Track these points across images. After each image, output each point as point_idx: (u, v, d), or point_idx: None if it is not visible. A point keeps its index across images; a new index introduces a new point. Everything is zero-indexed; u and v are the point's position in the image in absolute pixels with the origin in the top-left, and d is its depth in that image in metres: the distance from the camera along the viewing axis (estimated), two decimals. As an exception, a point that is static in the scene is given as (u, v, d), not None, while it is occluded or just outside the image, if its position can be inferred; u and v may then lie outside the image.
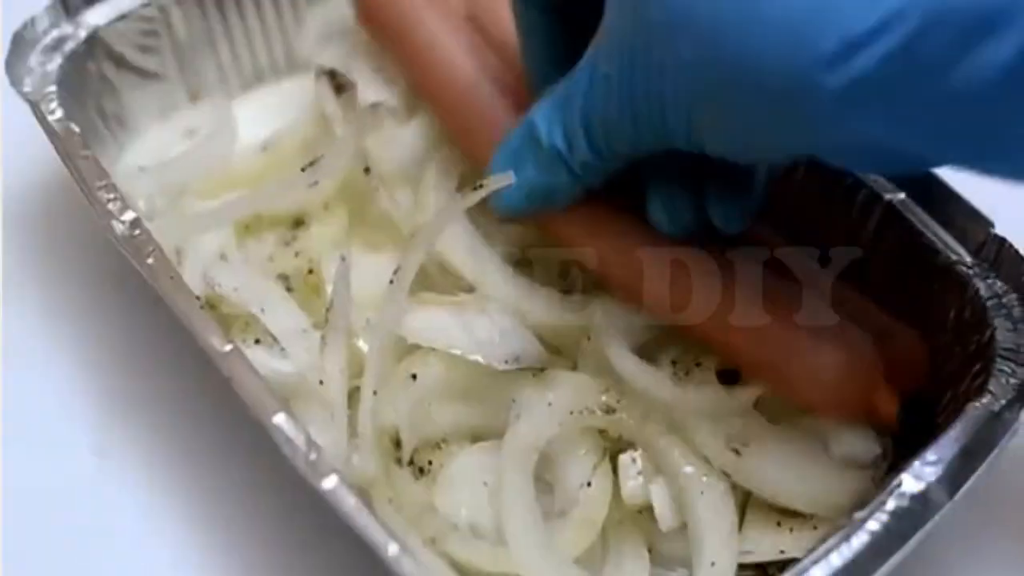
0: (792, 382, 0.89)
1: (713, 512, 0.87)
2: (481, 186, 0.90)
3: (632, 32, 0.78)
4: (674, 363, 0.93)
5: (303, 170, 1.01)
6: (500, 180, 0.90)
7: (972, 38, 0.62)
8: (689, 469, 0.89)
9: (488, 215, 0.95)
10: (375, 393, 0.89)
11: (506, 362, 0.91)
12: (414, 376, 0.91)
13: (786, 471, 0.88)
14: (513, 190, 0.92)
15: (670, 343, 0.94)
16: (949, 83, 0.64)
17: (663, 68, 0.76)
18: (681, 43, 0.73)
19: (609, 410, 0.90)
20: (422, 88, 1.06)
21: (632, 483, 0.89)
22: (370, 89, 1.10)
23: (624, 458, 0.90)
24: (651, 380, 0.90)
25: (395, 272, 0.92)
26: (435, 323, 0.93)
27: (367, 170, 1.03)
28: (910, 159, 0.72)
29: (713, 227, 0.90)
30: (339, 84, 1.08)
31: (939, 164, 0.78)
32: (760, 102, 0.71)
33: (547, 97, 0.89)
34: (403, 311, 0.93)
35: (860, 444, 0.91)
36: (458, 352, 0.92)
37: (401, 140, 1.05)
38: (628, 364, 0.90)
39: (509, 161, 0.92)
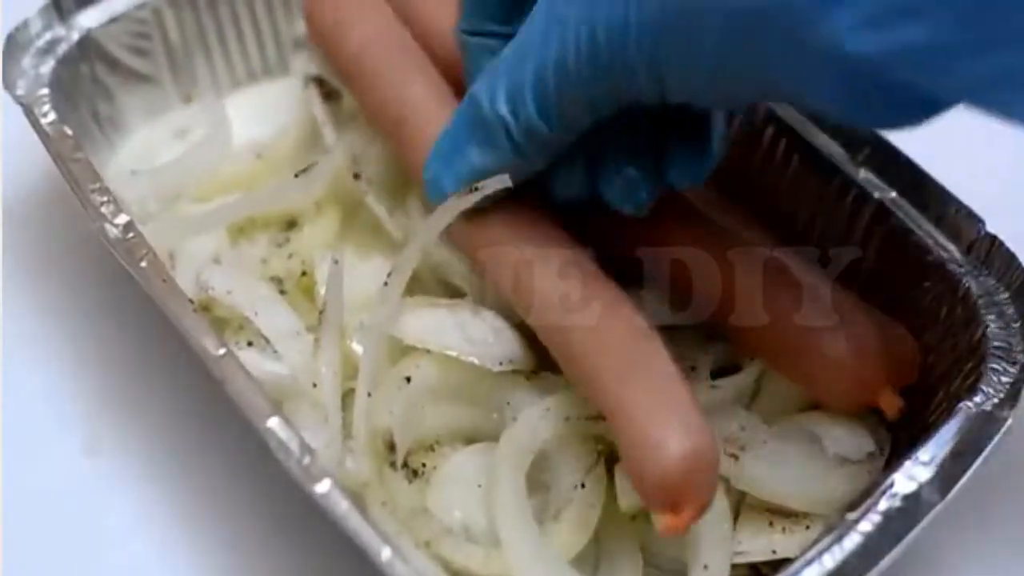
0: (802, 372, 0.90)
1: (708, 517, 0.87)
2: (476, 188, 0.89)
3: None
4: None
5: (296, 176, 1.01)
6: (495, 182, 0.89)
7: None
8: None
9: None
10: (369, 395, 0.89)
11: (500, 363, 0.92)
12: (408, 379, 0.91)
13: (783, 472, 0.89)
14: (452, 177, 0.90)
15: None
16: None
17: None
18: None
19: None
20: (363, 110, 1.05)
21: (629, 492, 0.89)
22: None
23: (621, 468, 0.89)
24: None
25: (389, 274, 0.92)
26: (430, 324, 0.93)
27: (357, 176, 1.03)
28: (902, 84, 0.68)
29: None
30: (327, 91, 1.09)
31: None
32: (737, 19, 0.70)
33: (490, 66, 0.88)
34: (398, 312, 0.93)
35: (854, 441, 0.92)
36: (453, 353, 0.92)
37: (385, 146, 1.05)
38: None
39: (448, 145, 0.91)
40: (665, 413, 0.79)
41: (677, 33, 0.74)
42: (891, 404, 0.88)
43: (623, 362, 0.82)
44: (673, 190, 0.90)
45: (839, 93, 0.70)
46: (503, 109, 0.85)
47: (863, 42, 0.64)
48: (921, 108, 0.70)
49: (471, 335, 0.93)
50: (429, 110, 0.96)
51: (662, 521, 0.77)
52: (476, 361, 0.91)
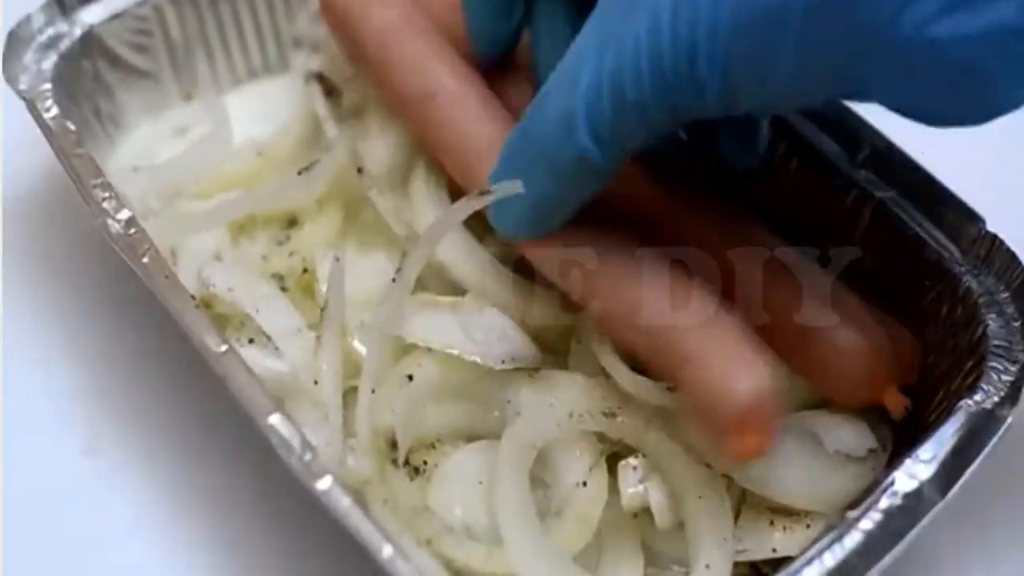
0: (810, 367, 0.90)
1: (710, 516, 0.87)
2: (487, 192, 0.88)
3: None
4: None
5: (299, 173, 1.01)
6: (508, 187, 0.86)
7: None
8: (689, 474, 0.89)
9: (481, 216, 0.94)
10: (373, 391, 0.90)
11: (502, 362, 0.92)
12: (410, 377, 0.91)
13: (784, 470, 0.89)
14: (513, 205, 0.88)
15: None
16: None
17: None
18: None
19: (610, 414, 0.91)
20: (382, 93, 1.05)
21: (632, 491, 0.89)
22: (355, 90, 1.11)
23: (624, 466, 0.90)
24: (641, 386, 0.90)
25: (397, 272, 0.92)
26: (433, 323, 0.93)
27: (360, 170, 1.03)
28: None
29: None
30: (328, 87, 1.09)
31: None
32: (818, 17, 0.68)
33: (557, 90, 0.83)
34: (403, 311, 0.93)
35: (855, 439, 0.92)
36: (456, 352, 0.92)
37: (388, 141, 1.05)
38: (618, 370, 0.91)
39: (504, 169, 0.88)
40: (744, 351, 0.82)
41: (754, 41, 0.72)
42: (896, 403, 0.88)
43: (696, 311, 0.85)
44: (683, 187, 0.91)
45: (916, 88, 0.70)
46: (585, 139, 0.81)
47: (953, 24, 0.64)
48: (997, 101, 0.70)
49: (473, 334, 0.93)
50: (457, 88, 0.97)
51: (742, 442, 0.80)
52: (478, 360, 0.92)
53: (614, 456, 0.91)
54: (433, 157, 1.00)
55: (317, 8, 1.12)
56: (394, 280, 0.92)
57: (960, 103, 0.71)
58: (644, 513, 0.89)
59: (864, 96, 0.74)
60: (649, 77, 0.76)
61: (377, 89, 1.05)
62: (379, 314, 0.92)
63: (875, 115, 0.96)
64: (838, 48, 0.70)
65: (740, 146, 0.91)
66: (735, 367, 0.81)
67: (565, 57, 0.83)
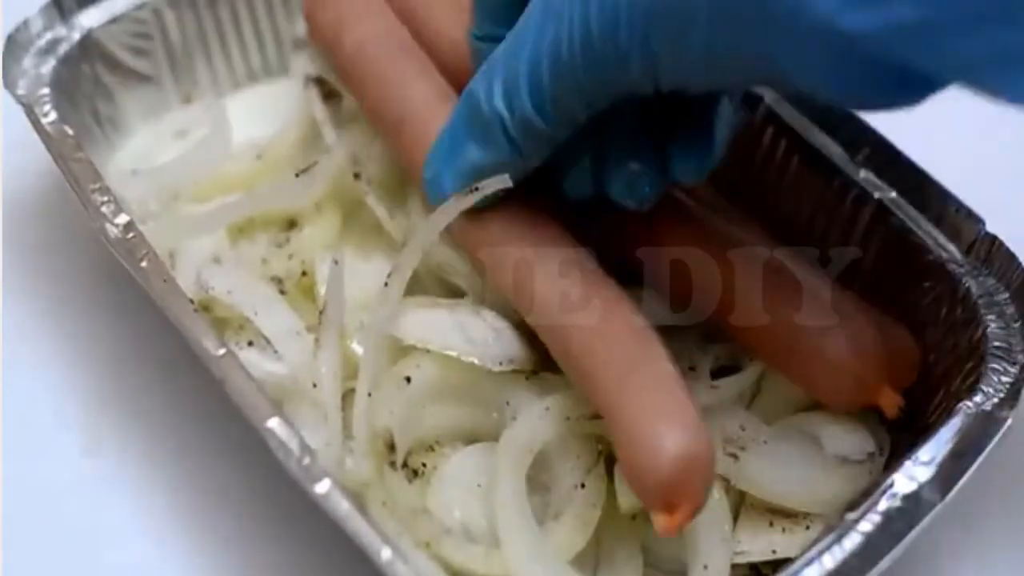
0: (802, 372, 0.90)
1: (708, 517, 0.87)
2: (477, 188, 0.89)
3: None
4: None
5: (297, 176, 1.01)
6: (496, 182, 0.88)
7: None
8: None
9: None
10: (370, 394, 0.90)
11: (500, 363, 0.92)
12: (408, 379, 0.91)
13: (783, 472, 0.89)
14: (451, 176, 0.90)
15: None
16: None
17: None
18: None
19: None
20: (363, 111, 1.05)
21: (631, 493, 0.89)
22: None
23: (620, 467, 0.89)
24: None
25: (389, 274, 0.92)
26: (430, 324, 0.93)
27: (357, 175, 1.03)
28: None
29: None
30: (327, 91, 1.09)
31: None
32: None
33: (487, 63, 0.88)
34: (398, 312, 0.93)
35: (854, 441, 0.92)
36: (454, 353, 0.92)
37: (386, 145, 1.05)
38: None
39: (447, 143, 0.91)
40: (661, 413, 0.79)
41: (669, 14, 0.73)
42: (891, 403, 0.88)
43: (622, 361, 0.82)
44: (677, 184, 0.91)
45: (833, 73, 0.69)
46: (499, 104, 0.85)
47: (855, 19, 0.64)
48: (915, 88, 0.69)
49: (471, 335, 0.93)
50: (430, 110, 0.96)
51: (658, 521, 0.77)
52: (476, 361, 0.91)
53: (612, 458, 0.90)
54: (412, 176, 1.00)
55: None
56: (386, 284, 0.92)
57: (873, 91, 0.71)
58: (642, 515, 0.89)
59: (783, 80, 0.74)
60: (580, 46, 0.79)
61: (359, 104, 1.05)
62: (375, 316, 0.92)
63: (875, 115, 0.97)
64: (745, 30, 0.71)
65: (689, 161, 0.90)
66: (657, 426, 0.78)
67: (510, 32, 0.85)
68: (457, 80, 0.98)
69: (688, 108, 0.87)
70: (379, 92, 1.00)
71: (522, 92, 0.84)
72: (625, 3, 0.75)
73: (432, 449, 0.93)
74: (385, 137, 1.02)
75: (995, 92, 0.63)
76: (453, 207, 0.90)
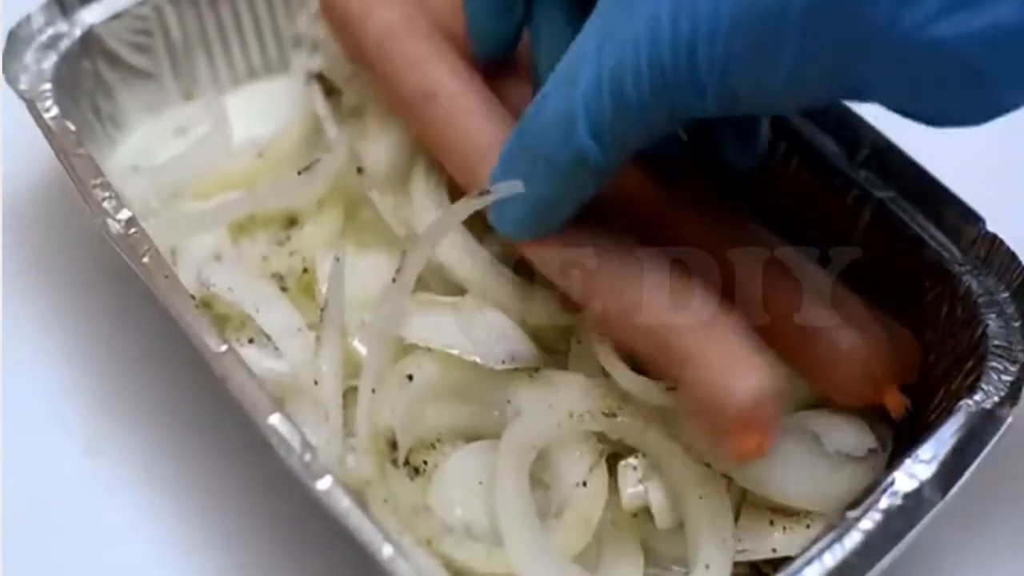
0: (811, 367, 0.90)
1: (710, 516, 0.87)
2: (487, 192, 0.88)
3: None
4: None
5: (299, 173, 1.01)
6: (508, 188, 0.87)
7: None
8: (689, 474, 0.89)
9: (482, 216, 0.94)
10: (373, 391, 0.90)
11: (503, 362, 0.92)
12: (410, 377, 0.91)
13: (784, 470, 0.89)
14: (511, 205, 0.88)
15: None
16: None
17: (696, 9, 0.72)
18: None
19: (610, 414, 0.90)
20: (382, 94, 1.05)
21: (632, 491, 0.89)
22: (355, 90, 1.10)
23: (624, 466, 0.90)
24: (641, 386, 0.90)
25: (397, 272, 0.92)
26: (433, 323, 0.93)
27: (360, 170, 1.03)
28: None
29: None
30: (328, 87, 1.09)
31: None
32: (818, 17, 0.68)
33: (556, 90, 0.83)
34: (403, 311, 0.92)
35: (855, 438, 0.92)
36: (456, 352, 0.92)
37: (388, 141, 1.05)
38: (618, 370, 0.91)
39: (503, 169, 0.88)
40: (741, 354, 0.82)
41: (754, 41, 0.72)
42: (897, 403, 0.89)
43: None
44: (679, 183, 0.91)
45: (921, 87, 0.69)
46: (585, 139, 0.81)
47: (949, 26, 0.63)
48: (997, 102, 0.70)
49: (473, 334, 0.93)
50: (457, 88, 0.97)
51: (748, 441, 0.80)
52: (478, 360, 0.92)
53: (614, 456, 0.91)
54: (433, 156, 1.00)
55: (317, 8, 1.13)
56: (394, 280, 0.92)
57: (960, 103, 0.71)
58: (644, 513, 0.89)
59: (863, 96, 0.74)
60: (648, 77, 0.76)
61: (377, 89, 1.05)
62: (379, 314, 0.92)
63: (875, 115, 0.97)
64: (837, 48, 0.70)
65: (740, 146, 0.91)
66: (736, 366, 0.81)
67: (565, 57, 0.83)
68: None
69: None
70: (404, 74, 0.99)
71: (578, 123, 0.80)
72: (704, 32, 0.73)
73: (433, 447, 0.93)
74: (409, 120, 1.02)
75: None
76: (460, 209, 0.90)
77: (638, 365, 0.90)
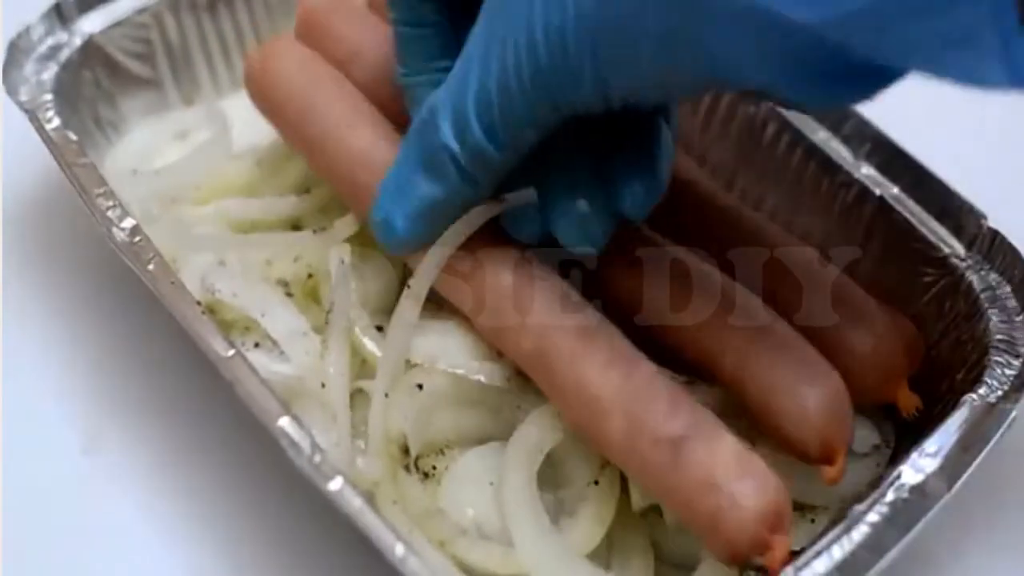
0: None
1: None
2: (502, 199, 0.89)
3: None
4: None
5: (315, 232, 1.02)
6: (522, 196, 0.88)
7: None
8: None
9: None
10: (387, 396, 0.90)
11: (508, 379, 0.91)
12: (420, 386, 0.91)
13: (789, 466, 0.89)
14: (403, 215, 0.89)
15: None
16: None
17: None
18: None
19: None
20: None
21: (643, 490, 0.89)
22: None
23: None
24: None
25: (410, 280, 0.91)
26: (437, 342, 0.93)
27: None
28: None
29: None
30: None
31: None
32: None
33: (431, 96, 0.86)
34: (416, 317, 0.92)
35: (860, 434, 0.93)
36: (461, 372, 0.92)
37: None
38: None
39: (395, 182, 0.89)
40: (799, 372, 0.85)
41: (617, 26, 0.73)
42: (908, 402, 0.89)
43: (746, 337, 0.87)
44: (628, 222, 0.90)
45: (782, 68, 0.69)
46: (449, 138, 0.84)
47: (803, 6, 0.63)
48: (868, 80, 0.70)
49: (478, 352, 0.93)
50: (379, 159, 0.94)
51: (828, 472, 0.83)
52: (483, 380, 0.91)
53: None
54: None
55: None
56: (408, 287, 0.92)
57: (824, 85, 0.70)
58: (653, 511, 0.89)
59: (735, 81, 0.74)
60: (528, 68, 0.78)
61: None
62: (395, 319, 0.91)
63: (876, 113, 0.97)
64: (698, 35, 0.70)
65: (639, 193, 0.90)
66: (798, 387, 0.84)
67: (457, 62, 0.84)
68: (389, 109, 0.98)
69: (630, 141, 0.87)
70: (327, 155, 0.98)
71: (472, 122, 0.82)
72: (572, 19, 0.75)
73: (443, 452, 0.93)
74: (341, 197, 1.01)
75: (939, 74, 0.62)
76: (475, 217, 0.89)
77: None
